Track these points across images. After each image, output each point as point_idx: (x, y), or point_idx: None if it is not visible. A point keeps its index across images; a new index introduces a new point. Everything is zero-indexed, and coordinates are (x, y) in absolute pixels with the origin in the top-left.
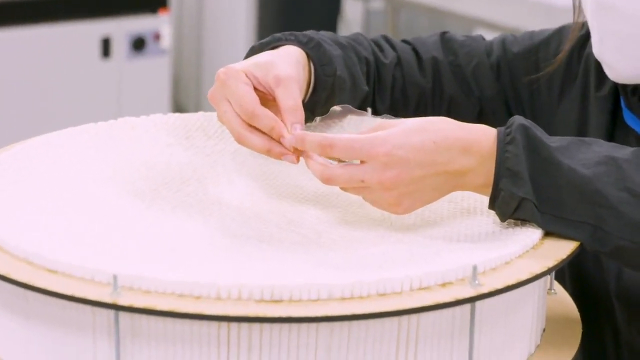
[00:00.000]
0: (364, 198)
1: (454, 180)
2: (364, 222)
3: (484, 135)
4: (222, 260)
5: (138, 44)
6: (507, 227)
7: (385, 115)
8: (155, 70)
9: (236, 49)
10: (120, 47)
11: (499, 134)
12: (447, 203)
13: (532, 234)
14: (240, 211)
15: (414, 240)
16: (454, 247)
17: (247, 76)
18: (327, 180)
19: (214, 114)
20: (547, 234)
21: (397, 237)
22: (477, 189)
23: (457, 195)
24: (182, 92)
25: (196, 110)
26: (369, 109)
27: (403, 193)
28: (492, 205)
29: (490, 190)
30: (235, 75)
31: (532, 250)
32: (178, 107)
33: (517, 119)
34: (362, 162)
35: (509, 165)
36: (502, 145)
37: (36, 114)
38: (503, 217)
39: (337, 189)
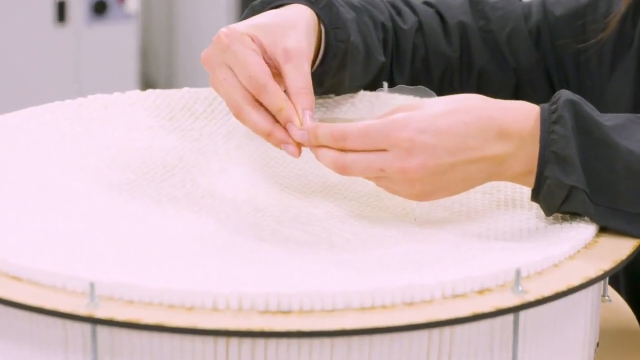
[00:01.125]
0: (384, 189)
1: (489, 169)
2: (383, 217)
3: (524, 113)
4: (217, 264)
5: (99, 8)
6: (554, 223)
7: (400, 86)
8: (119, 38)
9: (215, 13)
10: (77, 10)
11: (542, 111)
12: (480, 194)
13: (584, 230)
14: (236, 205)
15: (443, 239)
16: (492, 246)
17: (253, 42)
18: (341, 169)
19: (202, 90)
20: (602, 229)
21: (423, 235)
22: (516, 178)
23: (492, 185)
24: (152, 63)
25: (168, 85)
26: (385, 84)
27: (428, 184)
28: (536, 196)
29: (532, 178)
30: (241, 38)
31: (585, 249)
32: (147, 81)
33: (564, 94)
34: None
35: (556, 148)
36: (547, 125)
37: None
38: (549, 210)
39: (350, 178)
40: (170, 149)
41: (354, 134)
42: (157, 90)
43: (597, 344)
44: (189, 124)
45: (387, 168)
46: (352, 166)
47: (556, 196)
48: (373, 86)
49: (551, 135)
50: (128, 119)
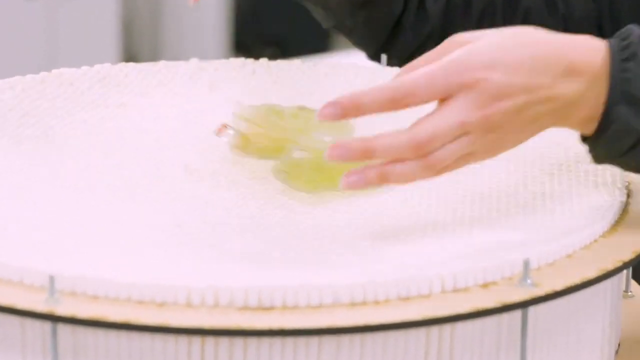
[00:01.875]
0: (461, 161)
1: (558, 111)
2: (376, 200)
3: (592, 48)
4: (192, 256)
5: None
6: (568, 207)
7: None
8: (99, 9)
9: None
10: None
11: (611, 47)
12: (487, 177)
13: (601, 218)
14: (216, 192)
15: (444, 227)
16: (497, 234)
17: None
18: (414, 148)
19: (181, 63)
20: (622, 217)
21: (421, 222)
22: (581, 124)
23: (500, 166)
24: (136, 37)
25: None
26: (384, 57)
27: (507, 131)
28: (595, 141)
29: (594, 125)
30: None
31: (602, 239)
32: (130, 56)
33: (635, 29)
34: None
35: (630, 88)
36: (618, 63)
37: None
38: (607, 157)
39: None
40: (145, 130)
41: (419, 83)
42: (130, 64)
43: (619, 345)
44: (166, 101)
45: (469, 119)
46: (424, 139)
47: (621, 142)
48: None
49: (624, 73)
50: (97, 95)
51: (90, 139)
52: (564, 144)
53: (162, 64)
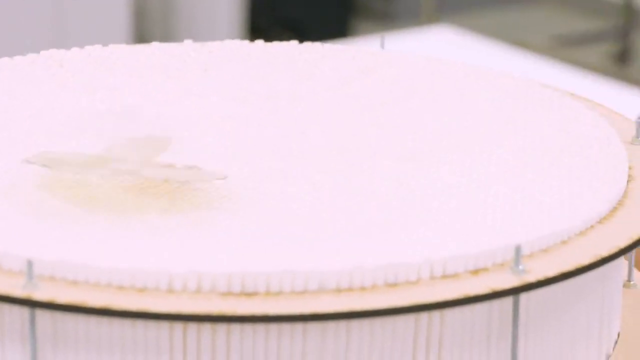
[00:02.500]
0: None
1: None
2: (363, 184)
3: None
4: (174, 240)
5: None
6: (565, 192)
7: None
8: None
9: None
10: None
11: None
12: (477, 155)
13: (598, 202)
14: (204, 174)
15: (433, 211)
16: (490, 219)
17: None
18: None
19: (175, 45)
20: (621, 202)
21: (411, 206)
22: None
23: (493, 146)
24: (147, 20)
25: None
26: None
27: None
28: None
29: None
30: None
31: (599, 225)
32: (142, 40)
33: None
34: None
35: None
36: None
37: None
38: None
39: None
40: (135, 112)
41: None
42: (122, 46)
43: (618, 335)
44: (158, 83)
45: None
46: None
47: None
48: None
49: None
50: (87, 78)
51: (80, 122)
52: (565, 129)
53: (155, 45)
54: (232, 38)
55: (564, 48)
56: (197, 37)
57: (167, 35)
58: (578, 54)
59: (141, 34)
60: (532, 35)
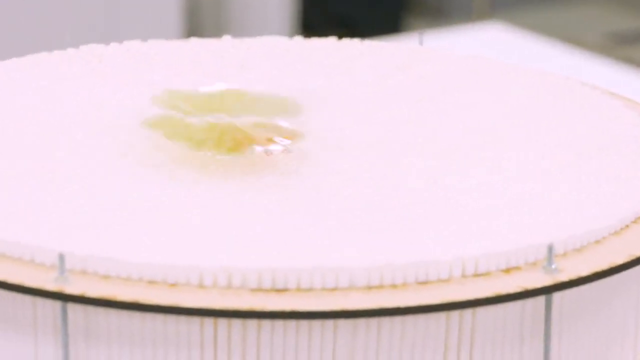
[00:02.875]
0: None
1: None
2: (396, 179)
3: None
4: (207, 235)
5: None
6: (601, 191)
7: None
8: None
9: None
10: None
11: None
12: (514, 152)
13: (634, 200)
14: (240, 172)
15: (467, 208)
16: (524, 217)
17: None
18: None
19: (212, 41)
20: None
21: (444, 200)
22: None
23: (531, 143)
24: (199, 14)
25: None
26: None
27: None
28: None
29: None
30: None
31: (634, 224)
32: (193, 33)
33: None
34: None
35: None
36: None
37: None
38: None
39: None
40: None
41: None
42: (161, 41)
43: None
44: (196, 79)
45: None
46: None
47: None
48: None
49: None
50: (126, 73)
51: (113, 117)
52: (603, 127)
53: (193, 41)
54: (284, 34)
55: (618, 46)
56: (249, 33)
57: (219, 32)
58: (632, 51)
59: (193, 30)
60: (585, 33)
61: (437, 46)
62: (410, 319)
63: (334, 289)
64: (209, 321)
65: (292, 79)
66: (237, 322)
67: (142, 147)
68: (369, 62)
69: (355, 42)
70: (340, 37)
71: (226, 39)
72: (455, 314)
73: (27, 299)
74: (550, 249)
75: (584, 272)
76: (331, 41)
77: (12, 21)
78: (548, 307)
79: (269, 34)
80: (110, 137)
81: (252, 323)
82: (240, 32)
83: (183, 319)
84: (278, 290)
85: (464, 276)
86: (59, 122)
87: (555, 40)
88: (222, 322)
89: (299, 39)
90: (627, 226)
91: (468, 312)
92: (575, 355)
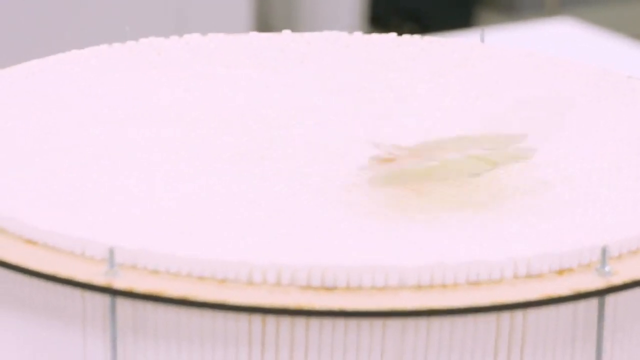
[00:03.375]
0: None
1: None
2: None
3: None
4: (255, 232)
5: None
6: None
7: None
8: None
9: None
10: None
11: None
12: (565, 148)
13: None
14: (297, 167)
15: (521, 208)
16: (578, 218)
17: None
18: None
19: (272, 35)
20: None
21: (495, 201)
22: None
23: (592, 143)
24: (270, 6)
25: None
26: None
27: None
28: None
29: None
30: None
31: None
32: (264, 26)
33: None
34: None
35: None
36: None
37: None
38: None
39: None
40: (228, 103)
41: None
42: (220, 35)
43: None
44: (255, 74)
45: None
46: None
47: None
48: None
49: None
50: (184, 67)
51: (172, 111)
52: None
53: (253, 35)
54: (353, 27)
55: None
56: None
57: (289, 26)
58: None
59: (264, 22)
60: None
61: (505, 41)
62: (459, 319)
63: (384, 288)
64: (257, 318)
65: (351, 74)
66: (285, 320)
67: (200, 141)
68: (428, 58)
69: (415, 38)
70: (410, 31)
71: (286, 33)
72: (505, 316)
73: (77, 292)
74: (604, 251)
75: (639, 275)
76: (391, 37)
77: (73, 13)
78: (601, 310)
79: (339, 28)
80: (162, 132)
81: (301, 321)
82: (309, 26)
83: (231, 316)
84: (327, 289)
85: (515, 277)
86: (111, 115)
87: (625, 36)
88: (271, 319)
89: (359, 35)
90: None
91: (519, 314)
92: (627, 359)
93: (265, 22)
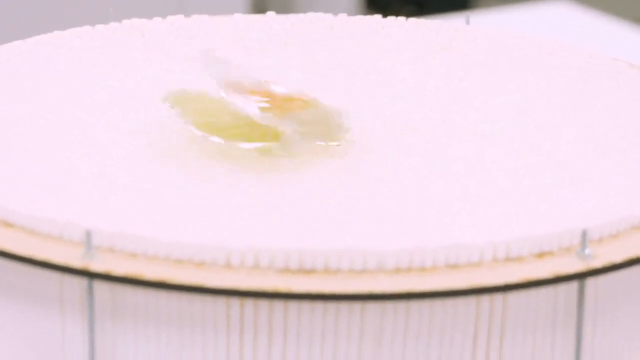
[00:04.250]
0: None
1: None
2: (428, 160)
3: None
4: (233, 215)
5: None
6: (637, 176)
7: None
8: None
9: None
10: None
11: None
12: (549, 131)
13: None
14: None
15: (500, 190)
16: (558, 201)
17: None
18: None
19: (257, 17)
20: None
21: (476, 184)
22: None
23: (573, 127)
24: None
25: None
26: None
27: None
28: None
29: None
30: None
31: None
32: (260, 8)
33: None
34: None
35: None
36: None
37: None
38: None
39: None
40: (213, 85)
41: None
42: (204, 16)
43: None
44: (239, 55)
45: None
46: None
47: None
48: None
49: None
50: (168, 48)
51: (154, 92)
52: None
53: (237, 17)
54: (351, 11)
55: None
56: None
57: (286, 6)
58: None
59: (259, 4)
60: None
61: (499, 24)
62: (438, 303)
63: (362, 272)
64: (235, 301)
65: (334, 56)
66: (263, 303)
67: (176, 127)
68: (413, 40)
69: (400, 19)
70: (409, 14)
71: (270, 14)
72: (485, 299)
73: (54, 275)
74: (584, 234)
75: (619, 258)
76: (375, 18)
77: None
78: (581, 293)
79: (336, 11)
80: (144, 115)
81: (279, 304)
82: (307, 8)
83: (209, 299)
84: (305, 272)
85: (495, 260)
86: (93, 97)
87: (624, 19)
88: (249, 302)
89: (343, 16)
90: None
91: (499, 297)
92: (610, 344)
93: (261, 7)
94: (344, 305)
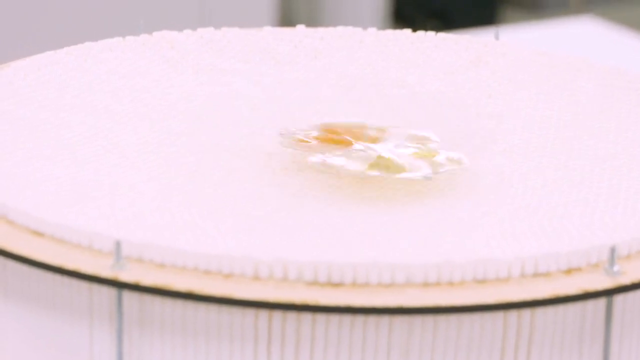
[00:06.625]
0: None
1: None
2: (468, 168)
3: None
4: (263, 227)
5: None
6: None
7: None
8: None
9: None
10: None
11: None
12: (583, 152)
13: None
14: (306, 163)
15: (529, 207)
16: (587, 217)
17: None
18: None
19: (286, 30)
20: None
21: (506, 201)
22: None
23: (604, 143)
24: (293, 1)
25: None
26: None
27: None
28: None
29: None
30: None
31: None
32: (287, 21)
33: None
34: None
35: None
36: None
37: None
38: None
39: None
40: (241, 97)
41: None
42: (234, 29)
43: None
44: (267, 68)
45: None
46: None
47: None
48: None
49: None
50: (197, 60)
51: (183, 104)
52: None
53: (267, 30)
54: (377, 25)
55: None
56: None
57: (313, 20)
58: None
59: (287, 20)
60: None
61: (525, 39)
62: (466, 318)
63: (390, 285)
64: (263, 313)
65: (363, 70)
66: (291, 316)
67: (203, 138)
68: (442, 55)
69: (429, 35)
70: (434, 29)
71: (300, 28)
72: (513, 314)
73: (84, 285)
74: (612, 250)
75: None
76: (405, 33)
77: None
78: (609, 310)
79: (362, 25)
80: (173, 126)
81: (307, 317)
82: (333, 22)
83: (237, 310)
84: (334, 285)
85: (523, 276)
86: (123, 108)
87: None
88: (277, 314)
89: (373, 30)
90: None
91: (526, 313)
92: None
93: (288, 20)
94: (371, 319)
